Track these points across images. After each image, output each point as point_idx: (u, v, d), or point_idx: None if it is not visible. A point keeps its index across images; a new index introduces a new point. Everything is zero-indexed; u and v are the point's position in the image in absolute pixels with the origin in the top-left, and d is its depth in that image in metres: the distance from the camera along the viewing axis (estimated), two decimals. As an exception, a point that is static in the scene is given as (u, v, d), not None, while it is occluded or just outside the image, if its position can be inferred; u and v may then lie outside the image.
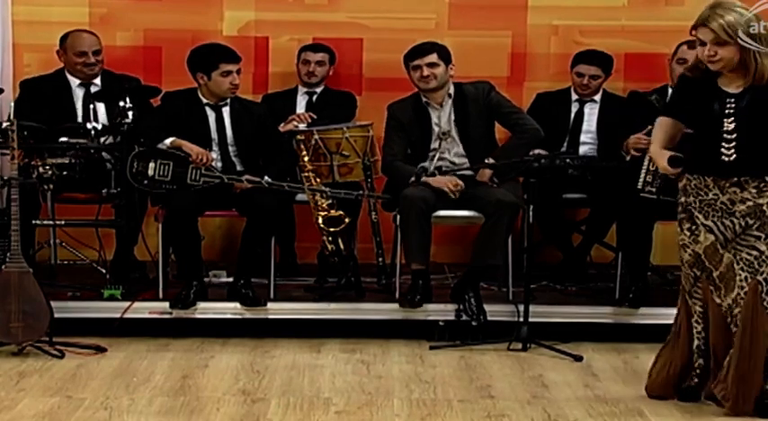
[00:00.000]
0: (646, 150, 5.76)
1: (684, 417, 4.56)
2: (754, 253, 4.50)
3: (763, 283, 4.49)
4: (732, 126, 4.49)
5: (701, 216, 4.57)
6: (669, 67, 6.21)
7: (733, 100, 4.49)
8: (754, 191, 4.48)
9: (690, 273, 4.67)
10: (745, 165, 4.48)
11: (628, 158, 5.97)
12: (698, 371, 4.70)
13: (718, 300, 4.59)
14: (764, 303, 4.49)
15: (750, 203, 4.48)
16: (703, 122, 4.58)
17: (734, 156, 4.48)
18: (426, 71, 5.97)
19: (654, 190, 5.68)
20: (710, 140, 4.54)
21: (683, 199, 4.66)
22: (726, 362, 4.55)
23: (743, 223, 4.50)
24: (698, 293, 4.67)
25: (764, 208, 4.47)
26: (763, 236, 4.49)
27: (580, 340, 5.74)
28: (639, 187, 5.71)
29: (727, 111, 4.50)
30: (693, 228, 4.61)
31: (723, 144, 4.50)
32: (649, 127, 5.82)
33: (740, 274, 4.52)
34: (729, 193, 4.51)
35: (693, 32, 4.50)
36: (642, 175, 5.72)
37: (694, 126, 4.63)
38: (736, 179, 4.50)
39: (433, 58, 5.98)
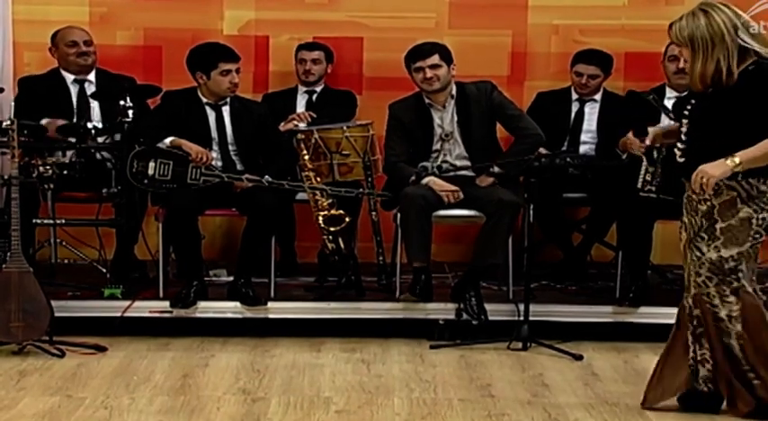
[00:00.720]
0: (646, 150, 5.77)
1: (684, 417, 4.55)
2: (697, 253, 4.43)
3: (701, 286, 4.44)
4: (685, 129, 4.47)
5: (684, 211, 4.53)
6: (663, 66, 6.22)
7: (693, 102, 4.45)
8: (712, 192, 4.35)
9: None
10: (689, 167, 4.40)
11: (624, 157, 5.96)
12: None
13: (685, 302, 4.56)
14: (709, 304, 4.43)
15: (709, 204, 4.39)
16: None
17: (682, 158, 4.46)
18: (429, 73, 5.95)
19: (653, 189, 5.67)
20: (677, 141, 4.53)
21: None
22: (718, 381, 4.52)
23: (700, 223, 4.43)
24: None
25: (715, 210, 4.38)
26: (707, 237, 4.40)
27: (580, 339, 5.73)
28: (639, 186, 5.71)
29: (684, 113, 4.48)
30: (681, 225, 4.57)
31: (678, 145, 4.49)
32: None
33: (692, 274, 4.47)
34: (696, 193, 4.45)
35: None
36: (641, 175, 5.72)
37: None
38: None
39: (435, 59, 5.96)
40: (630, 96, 6.32)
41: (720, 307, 4.42)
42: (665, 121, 5.95)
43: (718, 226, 4.38)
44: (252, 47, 6.99)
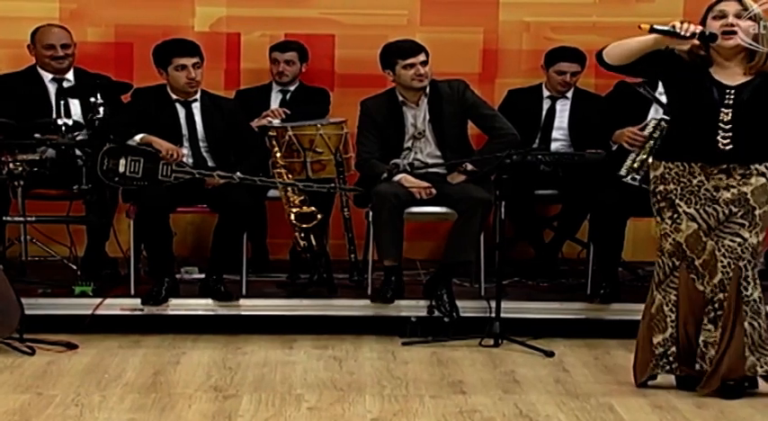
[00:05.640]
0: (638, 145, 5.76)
1: (654, 412, 4.58)
2: (738, 239, 4.56)
3: (742, 269, 4.57)
4: (729, 117, 4.53)
5: (682, 204, 4.61)
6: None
7: (733, 91, 4.52)
8: (739, 177, 4.53)
9: (668, 263, 4.72)
10: (739, 154, 4.52)
11: (614, 148, 5.95)
12: (671, 358, 4.76)
13: (701, 288, 4.66)
14: (742, 287, 4.58)
15: (734, 191, 4.54)
16: (697, 110, 4.58)
17: (730, 146, 4.53)
18: (422, 69, 5.94)
19: (638, 177, 5.68)
20: (704, 129, 4.56)
21: (661, 187, 4.67)
22: (714, 359, 4.65)
23: (726, 211, 4.56)
24: (674, 283, 4.71)
25: (748, 196, 4.54)
26: (747, 223, 4.56)
27: (552, 336, 5.75)
28: (623, 173, 5.71)
29: (726, 102, 4.53)
30: (675, 216, 4.65)
31: (720, 133, 4.54)
32: (648, 122, 5.80)
33: (722, 261, 4.58)
34: (715, 180, 4.56)
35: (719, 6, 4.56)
36: (629, 162, 5.71)
37: (684, 111, 4.64)
38: (724, 166, 4.55)
39: (423, 56, 5.96)
40: (620, 88, 6.20)
41: (753, 289, 4.61)
42: (660, 112, 5.90)
43: (757, 212, 4.56)
44: (223, 44, 6.97)
